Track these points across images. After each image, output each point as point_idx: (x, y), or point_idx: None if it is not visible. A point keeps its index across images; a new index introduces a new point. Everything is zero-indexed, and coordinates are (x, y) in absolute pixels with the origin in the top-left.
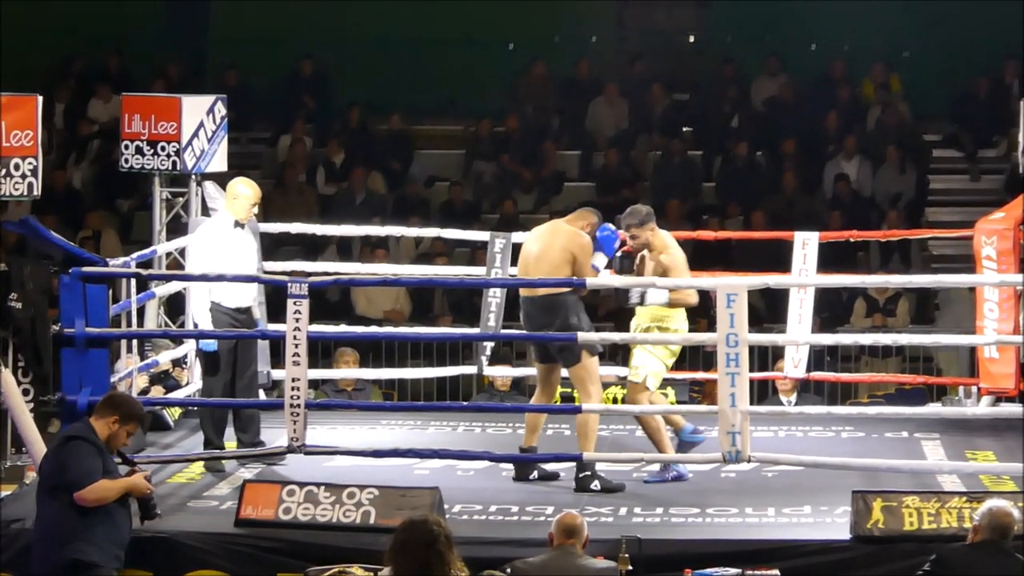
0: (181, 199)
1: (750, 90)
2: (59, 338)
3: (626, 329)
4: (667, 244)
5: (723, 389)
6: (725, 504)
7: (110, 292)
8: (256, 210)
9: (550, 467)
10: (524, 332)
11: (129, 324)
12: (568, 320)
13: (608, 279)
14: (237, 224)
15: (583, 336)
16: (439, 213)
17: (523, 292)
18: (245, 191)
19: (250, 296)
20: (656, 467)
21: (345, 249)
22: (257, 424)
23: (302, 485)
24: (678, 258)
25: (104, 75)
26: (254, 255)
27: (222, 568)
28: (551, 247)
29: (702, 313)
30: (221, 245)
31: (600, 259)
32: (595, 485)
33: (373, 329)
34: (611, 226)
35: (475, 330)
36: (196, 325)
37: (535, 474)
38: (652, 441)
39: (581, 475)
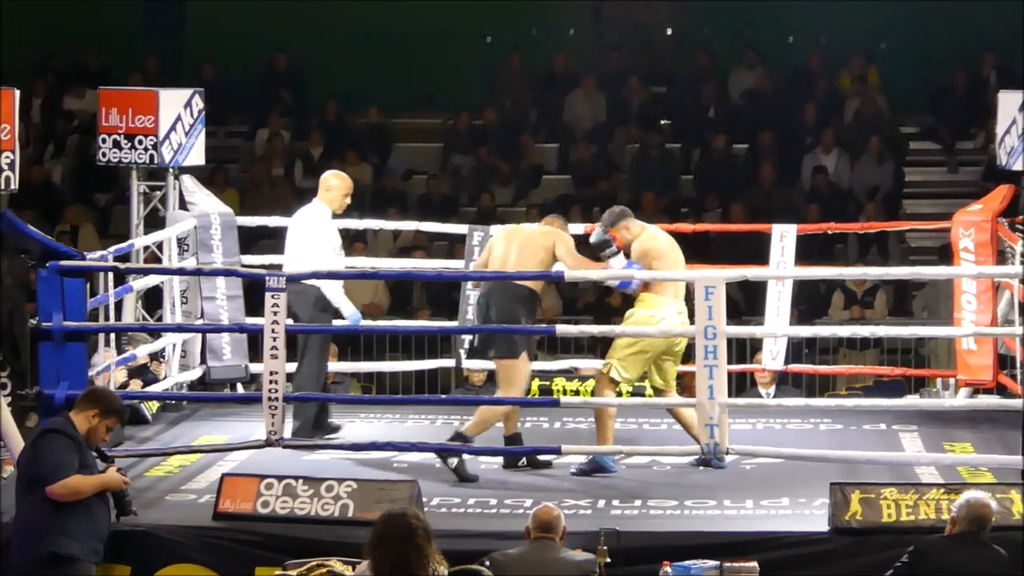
0: (159, 193)
1: (728, 83)
2: (37, 332)
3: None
4: (643, 233)
5: (701, 381)
6: (703, 496)
7: (88, 286)
8: (348, 200)
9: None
10: (504, 326)
11: (107, 318)
12: (514, 313)
13: (587, 273)
14: (335, 215)
15: (561, 329)
16: (417, 206)
17: (485, 284)
18: (337, 183)
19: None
20: (583, 458)
21: None
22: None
23: (280, 478)
24: (646, 245)
25: (82, 69)
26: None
27: (200, 562)
28: (532, 245)
29: None
30: (328, 234)
31: (619, 260)
32: (451, 462)
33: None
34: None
35: (453, 323)
36: (336, 311)
37: (523, 461)
38: (597, 429)
39: (449, 441)
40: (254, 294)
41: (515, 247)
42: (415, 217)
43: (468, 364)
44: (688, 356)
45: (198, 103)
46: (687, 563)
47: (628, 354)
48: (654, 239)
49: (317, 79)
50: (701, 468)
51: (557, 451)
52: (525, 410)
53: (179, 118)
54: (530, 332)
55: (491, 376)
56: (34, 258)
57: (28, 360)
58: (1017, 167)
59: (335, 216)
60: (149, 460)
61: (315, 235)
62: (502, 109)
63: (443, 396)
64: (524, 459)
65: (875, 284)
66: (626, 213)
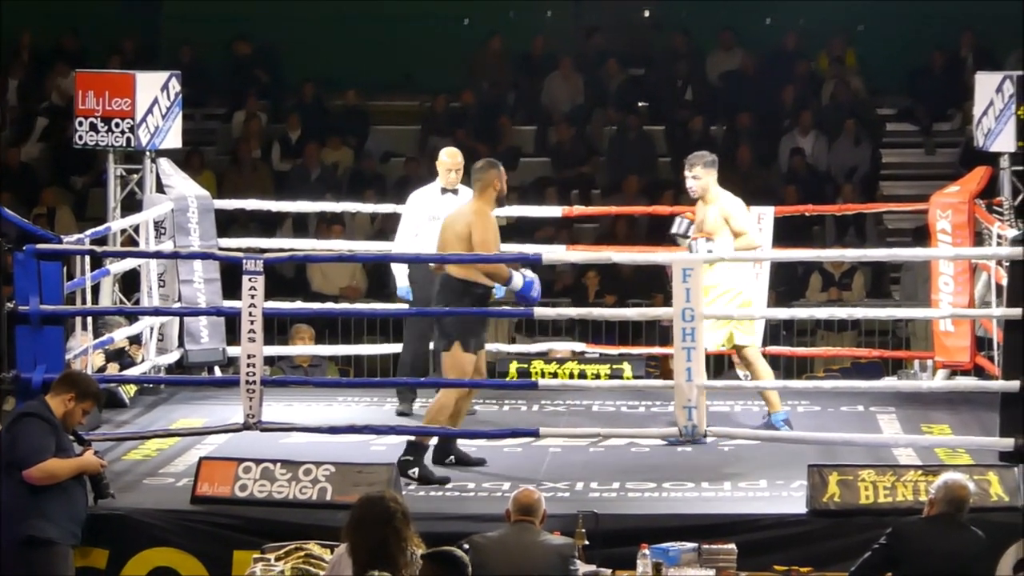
0: (136, 176)
1: (705, 64)
2: (13, 315)
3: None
4: (724, 194)
5: (679, 363)
6: (681, 479)
7: (64, 269)
8: (454, 175)
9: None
10: (481, 308)
11: (84, 301)
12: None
13: (566, 255)
14: (445, 191)
15: (539, 311)
16: (395, 189)
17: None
18: (442, 158)
19: None
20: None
21: (301, 225)
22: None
23: (258, 462)
24: (737, 204)
25: (59, 51)
26: None
27: (178, 545)
28: (453, 228)
29: (658, 288)
30: (429, 210)
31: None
32: (413, 472)
33: (329, 305)
34: (530, 275)
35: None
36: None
37: (451, 458)
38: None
39: (404, 458)
40: (232, 277)
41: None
42: (393, 200)
43: None
44: (667, 338)
45: (175, 86)
46: (665, 545)
47: (750, 321)
48: (739, 202)
49: (294, 61)
50: (679, 448)
51: (535, 434)
52: (504, 393)
53: (156, 101)
54: (509, 315)
55: None
56: (10, 241)
57: (5, 344)
58: (994, 148)
59: (445, 191)
60: (127, 444)
61: (410, 211)
62: (480, 91)
63: (421, 379)
64: (453, 456)
65: (852, 266)
66: (717, 163)
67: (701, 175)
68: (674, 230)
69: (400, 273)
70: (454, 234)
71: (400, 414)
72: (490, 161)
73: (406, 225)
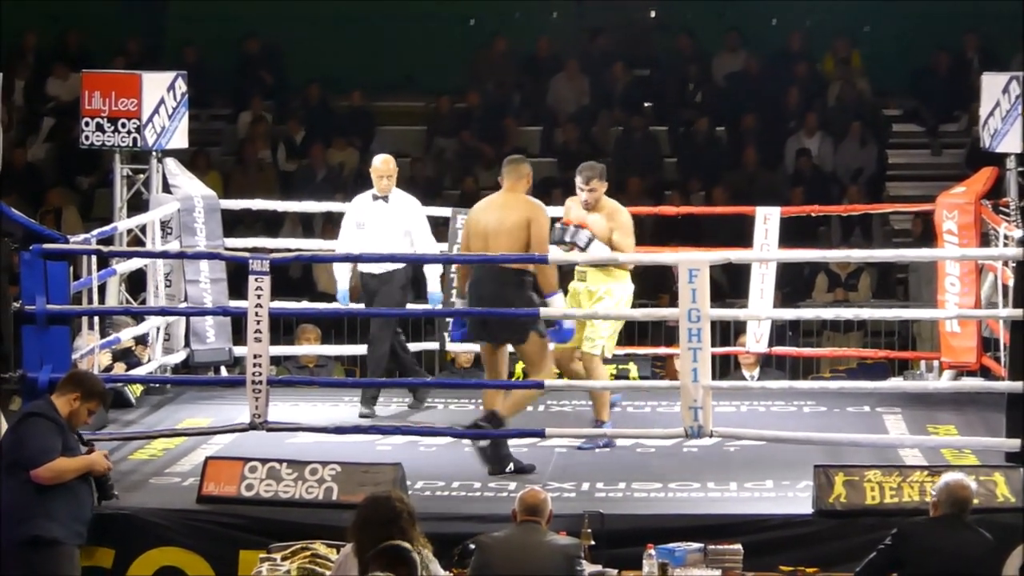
0: (142, 176)
1: (711, 65)
2: (20, 315)
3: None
4: (617, 207)
5: (685, 364)
6: (687, 479)
7: (71, 269)
8: (386, 182)
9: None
10: (488, 308)
11: (90, 301)
12: (531, 298)
13: (570, 256)
14: (376, 197)
15: (545, 311)
16: (401, 189)
17: (478, 266)
18: (375, 164)
19: (390, 264)
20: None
21: (307, 225)
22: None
23: (264, 461)
24: (628, 219)
25: (63, 52)
26: (394, 226)
27: (184, 545)
28: (506, 219)
29: (664, 288)
30: (358, 216)
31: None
32: (509, 468)
33: (335, 306)
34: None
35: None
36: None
37: (511, 466)
38: (595, 407)
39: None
40: (238, 277)
41: (491, 225)
42: None
43: (452, 347)
44: (673, 338)
45: (181, 86)
46: (671, 545)
47: (614, 331)
48: (629, 220)
49: (299, 62)
50: (684, 448)
51: (541, 434)
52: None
53: (162, 101)
54: (514, 315)
55: (477, 358)
56: (17, 241)
57: (11, 344)
58: (1000, 149)
59: (376, 198)
60: (133, 443)
61: (346, 216)
62: (485, 92)
63: (427, 379)
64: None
65: (859, 266)
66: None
67: (597, 187)
68: (570, 239)
69: (341, 276)
70: (512, 223)
71: (363, 416)
72: (523, 156)
73: (346, 228)
